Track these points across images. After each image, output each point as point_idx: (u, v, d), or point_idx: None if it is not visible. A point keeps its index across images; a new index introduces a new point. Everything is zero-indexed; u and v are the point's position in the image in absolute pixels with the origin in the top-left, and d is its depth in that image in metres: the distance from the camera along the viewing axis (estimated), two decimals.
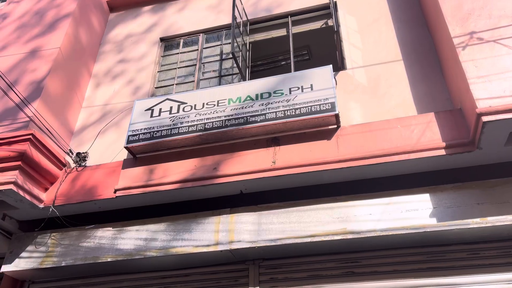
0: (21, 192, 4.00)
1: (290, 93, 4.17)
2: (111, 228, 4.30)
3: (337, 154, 3.85)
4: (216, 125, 4.17)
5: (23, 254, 4.34)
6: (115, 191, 4.19)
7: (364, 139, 3.86)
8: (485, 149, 3.45)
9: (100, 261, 4.12)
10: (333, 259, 3.94)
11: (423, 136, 3.70)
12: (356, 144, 3.86)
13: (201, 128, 4.19)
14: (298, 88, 4.17)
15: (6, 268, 4.31)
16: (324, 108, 3.96)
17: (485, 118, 3.19)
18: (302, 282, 3.90)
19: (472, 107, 3.37)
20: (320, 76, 4.19)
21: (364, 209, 3.78)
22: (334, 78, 4.20)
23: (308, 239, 3.76)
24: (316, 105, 4.00)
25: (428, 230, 3.53)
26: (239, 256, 4.05)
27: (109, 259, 4.10)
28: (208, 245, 3.96)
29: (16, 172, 3.98)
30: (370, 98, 4.35)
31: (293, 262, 4.03)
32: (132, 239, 4.18)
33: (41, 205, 4.27)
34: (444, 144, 3.57)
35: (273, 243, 3.82)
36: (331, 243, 3.79)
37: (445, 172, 3.77)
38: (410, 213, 3.64)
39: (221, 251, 3.92)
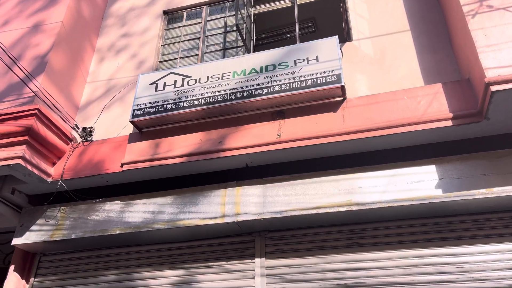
0: (29, 167, 4.04)
1: (295, 65, 4.12)
2: (118, 202, 4.36)
3: (342, 127, 3.83)
4: (220, 99, 4.15)
5: (33, 228, 4.43)
6: (122, 165, 4.22)
7: (370, 111, 3.83)
8: (493, 119, 3.41)
9: (108, 233, 4.19)
10: (338, 230, 3.98)
11: (430, 107, 3.66)
12: (362, 116, 3.83)
13: (206, 101, 4.17)
14: (304, 60, 4.11)
15: (17, 241, 4.40)
16: (330, 80, 3.91)
17: (493, 88, 3.14)
18: (307, 253, 3.95)
19: (480, 76, 3.32)
20: (325, 48, 4.12)
21: (369, 181, 3.78)
22: (340, 49, 4.13)
23: (313, 211, 3.79)
24: (322, 77, 3.95)
25: (434, 201, 3.53)
26: (245, 228, 4.10)
27: (117, 232, 4.18)
28: (214, 218, 4.01)
29: (24, 147, 4.02)
30: (376, 69, 4.29)
31: (299, 234, 4.07)
32: (140, 212, 4.24)
33: (49, 179, 4.33)
34: (451, 115, 3.54)
35: (278, 215, 3.86)
36: (336, 215, 3.81)
37: (452, 144, 3.75)
38: (416, 184, 3.64)
39: (228, 223, 3.97)
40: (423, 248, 3.68)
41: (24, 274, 4.51)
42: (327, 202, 3.80)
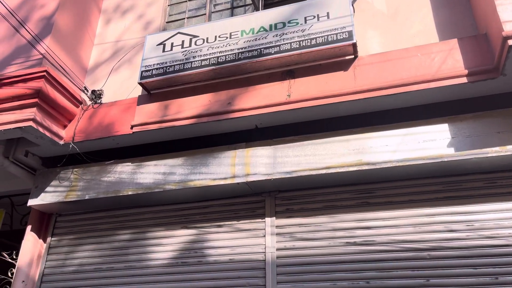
0: (40, 129, 4.08)
1: (305, 22, 4.00)
2: (130, 163, 4.40)
3: (354, 85, 3.75)
4: (229, 59, 4.08)
5: (48, 189, 4.52)
6: (132, 127, 4.24)
7: (382, 69, 3.74)
8: (509, 75, 3.31)
9: (121, 194, 4.26)
10: (348, 190, 3.98)
11: (444, 64, 3.56)
12: (374, 74, 3.74)
13: (214, 62, 4.11)
14: (314, 16, 3.99)
15: (32, 202, 4.51)
16: (341, 37, 3.80)
17: (511, 42, 3.02)
18: (317, 212, 3.98)
19: (498, 30, 3.19)
20: (336, 4, 3.98)
21: (380, 140, 3.74)
22: (352, 5, 3.99)
23: (323, 171, 3.79)
24: (333, 34, 3.84)
25: (446, 160, 3.49)
26: (256, 188, 4.13)
27: (129, 193, 4.24)
28: (225, 178, 4.04)
29: (34, 109, 4.04)
30: (389, 26, 4.15)
31: (309, 194, 4.09)
32: (151, 173, 4.28)
33: (61, 142, 4.37)
34: (466, 72, 3.43)
35: (288, 175, 3.86)
36: (346, 175, 3.81)
37: (466, 101, 3.67)
38: (428, 143, 3.59)
39: (238, 183, 4.00)
40: (434, 207, 3.68)
41: (41, 234, 4.64)
42: (337, 162, 3.78)
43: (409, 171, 3.71)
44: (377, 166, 3.65)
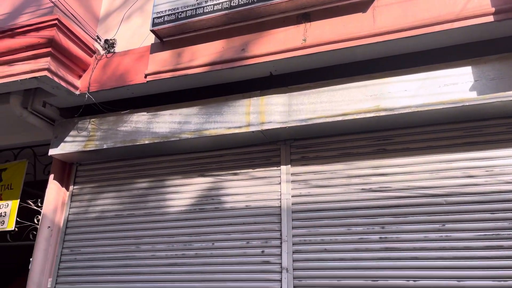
0: (56, 79, 4.09)
1: None
2: (145, 113, 4.42)
3: (373, 28, 3.59)
4: (242, 2, 3.93)
5: (67, 139, 4.61)
6: (146, 76, 4.21)
7: (403, 10, 3.55)
8: None
9: (138, 143, 4.31)
10: (365, 137, 3.93)
11: (469, 2, 3.35)
12: (394, 15, 3.56)
13: (227, 6, 3.97)
14: None
15: (53, 151, 4.63)
16: None
17: None
18: (332, 160, 3.96)
19: None
20: None
21: (399, 85, 3.63)
22: None
23: (340, 118, 3.72)
24: None
25: (467, 104, 3.37)
26: (271, 137, 4.11)
27: (146, 142, 4.29)
28: (239, 127, 4.02)
29: (48, 59, 4.03)
30: None
31: (324, 142, 4.06)
32: (167, 122, 4.30)
33: (77, 92, 4.40)
34: (493, 10, 3.23)
35: (303, 123, 3.82)
36: (363, 121, 3.74)
37: (491, 42, 3.48)
38: (449, 87, 3.47)
39: (253, 132, 3.98)
40: (452, 153, 3.60)
41: (64, 182, 4.79)
42: (354, 108, 3.70)
43: (428, 117, 3.61)
44: (395, 112, 3.56)
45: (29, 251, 4.54)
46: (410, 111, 3.52)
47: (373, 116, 3.63)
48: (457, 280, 3.28)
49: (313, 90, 3.90)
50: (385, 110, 3.59)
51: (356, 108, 3.69)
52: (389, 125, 3.80)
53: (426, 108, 3.48)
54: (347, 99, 3.76)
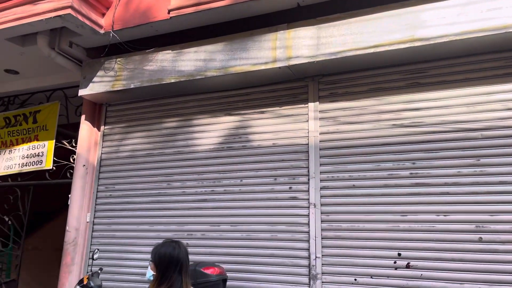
0: (79, 17, 4.06)
1: None
2: (170, 51, 4.35)
3: None
4: None
5: (95, 79, 4.64)
6: (169, 11, 4.09)
7: None
8: None
9: (164, 82, 4.29)
10: (397, 71, 3.74)
11: None
12: None
13: None
14: None
15: (83, 92, 4.69)
16: None
17: None
18: (362, 96, 3.83)
19: None
20: None
21: (436, 12, 3.36)
22: None
23: (371, 50, 3.53)
24: None
25: (511, 30, 3.11)
26: (298, 73, 3.99)
27: (172, 80, 4.26)
28: (266, 63, 3.91)
29: None
30: None
31: (354, 77, 3.90)
32: (192, 60, 4.23)
33: (101, 31, 4.36)
34: None
35: (333, 57, 3.66)
36: (396, 53, 3.54)
37: None
38: (492, 12, 3.18)
39: (279, 67, 3.87)
40: (492, 84, 3.39)
41: (95, 123, 4.90)
42: (387, 39, 3.49)
43: (467, 46, 3.37)
44: (431, 42, 3.34)
45: (68, 189, 4.76)
46: (447, 40, 3.29)
47: (407, 47, 3.42)
48: (489, 215, 3.21)
49: (343, 21, 3.69)
50: (421, 40, 3.37)
51: (389, 39, 3.48)
52: (424, 57, 3.59)
53: (465, 37, 3.24)
54: (380, 30, 3.54)
